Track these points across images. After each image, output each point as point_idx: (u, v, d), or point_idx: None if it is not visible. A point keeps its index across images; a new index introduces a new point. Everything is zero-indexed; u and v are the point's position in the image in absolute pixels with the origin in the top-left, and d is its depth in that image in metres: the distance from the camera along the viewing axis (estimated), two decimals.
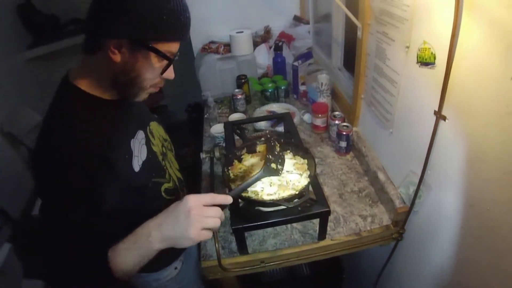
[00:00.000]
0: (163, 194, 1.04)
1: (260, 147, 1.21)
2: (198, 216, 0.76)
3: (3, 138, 2.87)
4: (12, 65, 3.09)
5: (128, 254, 0.78)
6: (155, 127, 1.11)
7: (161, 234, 0.77)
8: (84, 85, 0.85)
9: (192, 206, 0.76)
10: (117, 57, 0.78)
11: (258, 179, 0.91)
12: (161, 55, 0.81)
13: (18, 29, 3.27)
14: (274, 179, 1.05)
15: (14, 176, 2.94)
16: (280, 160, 0.98)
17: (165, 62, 0.84)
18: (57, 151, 0.78)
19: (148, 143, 1.01)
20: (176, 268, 1.26)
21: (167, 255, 1.20)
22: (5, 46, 3.04)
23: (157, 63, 0.83)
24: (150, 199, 1.01)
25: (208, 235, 0.78)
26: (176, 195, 1.10)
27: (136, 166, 0.92)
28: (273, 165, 0.94)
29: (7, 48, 3.08)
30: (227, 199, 0.82)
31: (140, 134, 0.99)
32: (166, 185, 1.05)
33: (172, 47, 0.83)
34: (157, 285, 1.24)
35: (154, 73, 0.85)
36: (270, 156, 0.96)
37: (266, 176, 0.93)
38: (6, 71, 2.99)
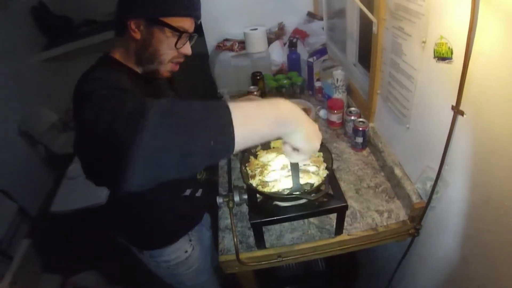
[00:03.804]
0: None
1: (275, 143, 1.23)
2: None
3: (20, 138, 2.96)
4: (27, 66, 3.17)
5: (248, 102, 0.63)
6: None
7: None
8: (118, 56, 1.00)
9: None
10: (138, 35, 0.94)
11: None
12: (172, 28, 0.94)
13: (33, 31, 3.36)
14: None
15: (31, 175, 3.05)
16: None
17: (177, 36, 0.96)
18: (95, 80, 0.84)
19: None
20: (186, 251, 1.32)
21: (175, 229, 1.28)
22: (20, 47, 3.13)
23: (171, 37, 0.96)
24: None
25: None
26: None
27: None
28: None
29: (23, 50, 3.16)
30: None
31: None
32: None
33: (184, 23, 0.96)
34: (167, 267, 1.31)
35: (169, 46, 0.97)
36: None
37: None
38: (22, 72, 3.08)
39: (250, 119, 0.60)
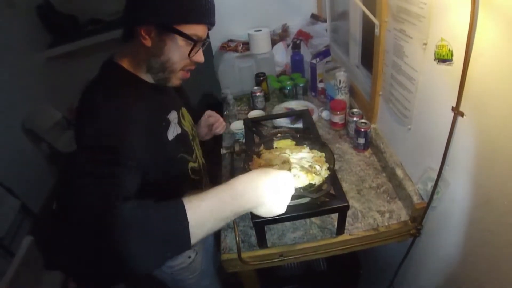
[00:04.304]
0: (189, 171, 1.11)
1: (277, 143, 1.24)
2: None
3: (24, 135, 2.97)
4: (32, 64, 3.18)
5: (207, 197, 0.70)
6: (186, 112, 1.19)
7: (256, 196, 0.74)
8: (125, 64, 0.94)
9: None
10: (148, 42, 0.88)
11: None
12: (185, 36, 0.88)
13: (38, 29, 3.36)
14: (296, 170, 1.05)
15: (35, 172, 3.05)
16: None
17: (191, 44, 0.91)
18: (98, 106, 0.82)
19: (180, 122, 1.08)
20: (189, 257, 1.30)
21: None
22: (25, 45, 3.14)
23: (184, 46, 0.91)
24: (177, 173, 1.06)
25: None
26: (200, 176, 1.18)
27: (170, 135, 1.00)
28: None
29: (28, 48, 3.17)
30: None
31: (173, 114, 1.06)
32: (192, 164, 1.13)
33: (198, 30, 0.90)
34: (171, 272, 1.29)
35: (182, 55, 0.92)
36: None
37: None
38: (27, 70, 3.08)
39: (206, 224, 0.69)
